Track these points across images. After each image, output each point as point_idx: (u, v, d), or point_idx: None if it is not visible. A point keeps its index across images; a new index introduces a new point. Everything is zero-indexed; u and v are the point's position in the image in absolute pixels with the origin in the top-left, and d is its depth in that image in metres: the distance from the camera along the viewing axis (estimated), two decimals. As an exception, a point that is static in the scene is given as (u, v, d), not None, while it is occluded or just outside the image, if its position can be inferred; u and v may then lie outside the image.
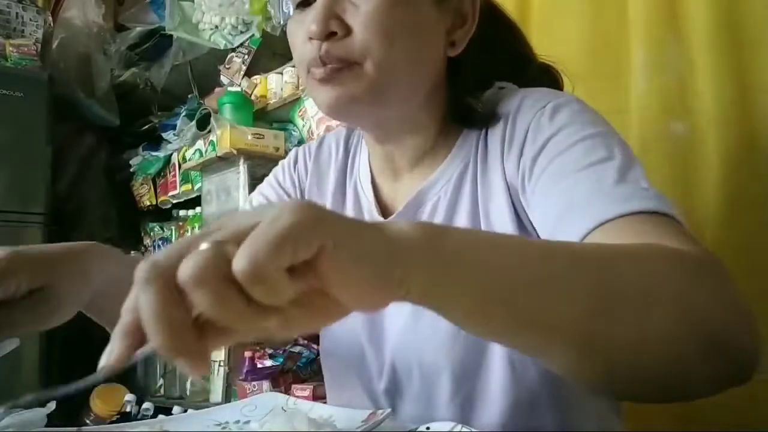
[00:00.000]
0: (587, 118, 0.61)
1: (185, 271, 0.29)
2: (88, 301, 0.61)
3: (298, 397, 1.32)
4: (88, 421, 2.14)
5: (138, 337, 0.31)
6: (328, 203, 0.78)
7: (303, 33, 0.62)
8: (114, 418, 2.01)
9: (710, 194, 0.93)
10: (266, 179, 0.87)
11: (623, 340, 0.40)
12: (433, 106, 0.69)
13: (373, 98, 0.62)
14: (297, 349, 1.78)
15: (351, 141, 0.81)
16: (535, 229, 0.61)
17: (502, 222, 0.64)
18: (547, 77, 0.76)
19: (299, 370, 1.73)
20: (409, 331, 0.68)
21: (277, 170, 0.86)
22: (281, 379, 1.70)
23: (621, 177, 0.53)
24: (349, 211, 0.76)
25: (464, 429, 0.51)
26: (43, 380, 2.30)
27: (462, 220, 0.67)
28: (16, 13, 2.51)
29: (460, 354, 0.64)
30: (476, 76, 0.70)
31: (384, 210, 0.73)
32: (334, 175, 0.79)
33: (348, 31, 0.61)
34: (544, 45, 0.82)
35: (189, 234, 0.73)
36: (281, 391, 1.49)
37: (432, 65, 0.67)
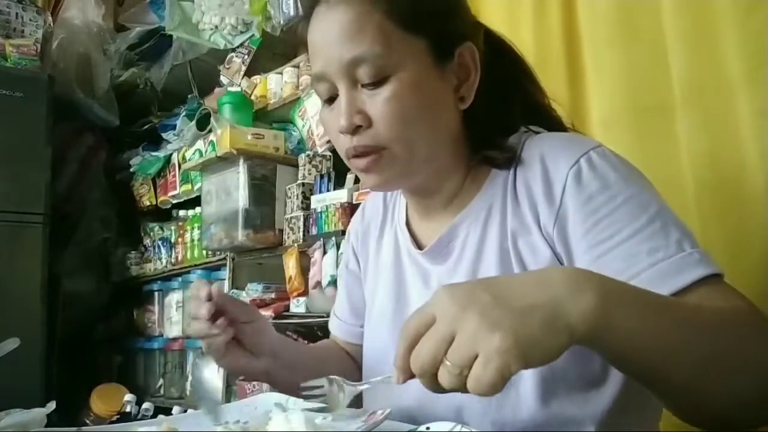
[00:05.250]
0: (621, 174, 0.65)
1: (441, 379, 0.46)
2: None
3: (298, 397, 1.32)
4: (88, 421, 2.14)
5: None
6: (371, 251, 0.88)
7: (335, 126, 0.70)
8: (114, 418, 2.01)
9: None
10: (346, 236, 0.97)
11: (714, 393, 0.53)
12: (457, 156, 0.75)
13: (406, 175, 0.72)
14: (297, 349, 1.78)
15: (388, 195, 0.90)
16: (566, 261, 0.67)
17: (534, 254, 0.69)
18: (555, 118, 0.81)
19: (299, 370, 1.73)
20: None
21: (347, 236, 0.96)
22: (281, 379, 1.70)
23: (672, 244, 0.60)
24: (388, 250, 0.84)
25: (464, 429, 0.51)
26: (44, 380, 2.30)
27: (490, 252, 0.71)
28: (16, 13, 2.50)
29: None
30: (491, 123, 0.74)
31: (419, 245, 0.80)
32: (377, 226, 0.89)
33: (370, 122, 0.68)
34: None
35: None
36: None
37: (449, 126, 0.73)
